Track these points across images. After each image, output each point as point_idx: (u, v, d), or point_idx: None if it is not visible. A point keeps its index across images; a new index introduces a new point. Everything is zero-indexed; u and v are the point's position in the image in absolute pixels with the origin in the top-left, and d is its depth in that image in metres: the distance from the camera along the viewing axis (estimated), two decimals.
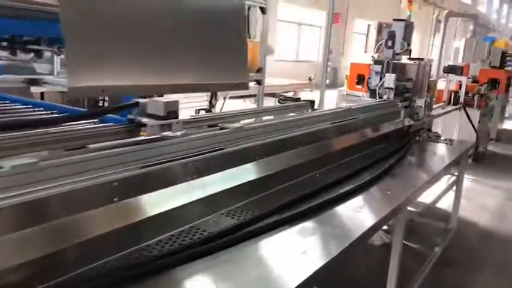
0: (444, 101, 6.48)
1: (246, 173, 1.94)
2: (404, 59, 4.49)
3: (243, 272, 1.43)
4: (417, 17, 24.07)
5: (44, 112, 2.14)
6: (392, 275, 2.44)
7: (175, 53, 1.80)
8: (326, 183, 2.23)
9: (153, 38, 1.66)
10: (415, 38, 27.40)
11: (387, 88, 3.95)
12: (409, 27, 4.56)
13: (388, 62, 4.19)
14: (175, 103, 1.71)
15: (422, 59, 4.50)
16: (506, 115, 11.26)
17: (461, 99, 6.32)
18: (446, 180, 5.15)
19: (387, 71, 4.12)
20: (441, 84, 6.81)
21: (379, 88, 4.06)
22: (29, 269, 1.18)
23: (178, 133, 1.77)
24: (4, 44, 2.29)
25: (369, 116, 3.27)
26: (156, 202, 1.57)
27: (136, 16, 1.61)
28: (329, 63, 18.89)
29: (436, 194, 5.11)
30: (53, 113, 2.09)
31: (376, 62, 4.21)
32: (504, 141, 9.03)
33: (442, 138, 3.99)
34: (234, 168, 1.89)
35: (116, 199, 1.45)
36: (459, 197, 3.86)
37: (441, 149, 3.63)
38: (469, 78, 7.43)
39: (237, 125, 2.06)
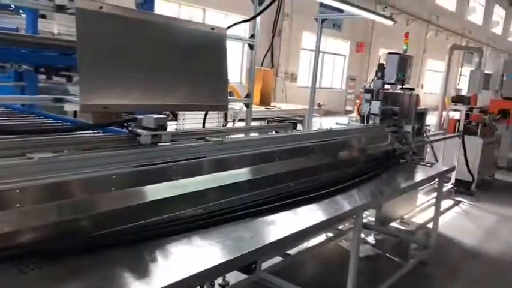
0: (445, 129, 6.81)
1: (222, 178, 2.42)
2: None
3: None
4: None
5: (64, 124, 2.77)
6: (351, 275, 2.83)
7: (166, 79, 2.35)
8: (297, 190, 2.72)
9: (148, 67, 2.22)
10: (441, 67, 27.49)
11: (373, 114, 4.39)
12: (403, 60, 5.01)
13: (377, 91, 4.64)
14: (164, 119, 2.25)
15: (412, 89, 4.95)
16: None
17: (461, 128, 6.61)
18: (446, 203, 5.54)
19: (375, 99, 4.56)
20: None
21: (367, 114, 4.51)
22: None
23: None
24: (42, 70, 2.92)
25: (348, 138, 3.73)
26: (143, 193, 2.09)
27: (135, 51, 2.17)
28: (350, 91, 19.37)
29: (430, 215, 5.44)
30: (70, 125, 2.72)
31: (366, 90, 4.67)
32: None
33: (424, 162, 4.37)
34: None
35: (113, 188, 1.98)
36: (437, 216, 4.19)
37: (419, 170, 4.00)
38: (477, 108, 7.74)
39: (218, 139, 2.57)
